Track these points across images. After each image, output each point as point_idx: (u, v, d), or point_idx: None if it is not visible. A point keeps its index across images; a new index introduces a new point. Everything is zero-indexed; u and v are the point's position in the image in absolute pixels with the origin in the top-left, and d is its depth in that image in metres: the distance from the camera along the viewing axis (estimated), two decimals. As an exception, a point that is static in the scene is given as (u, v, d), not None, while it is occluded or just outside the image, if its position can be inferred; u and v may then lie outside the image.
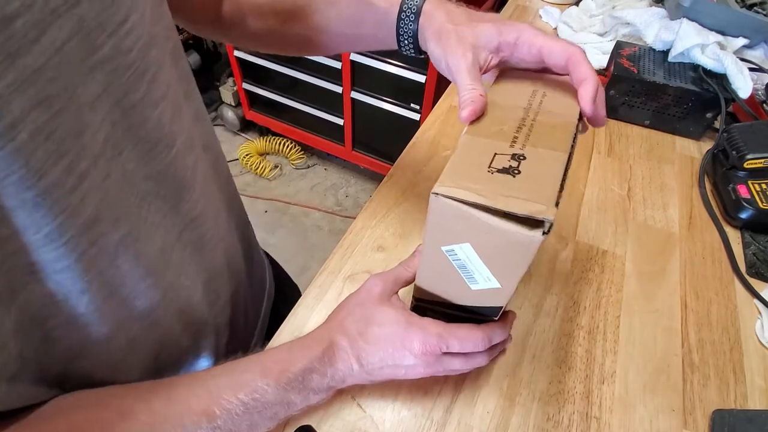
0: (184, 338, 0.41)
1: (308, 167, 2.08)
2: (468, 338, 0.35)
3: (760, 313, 0.50)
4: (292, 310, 0.47)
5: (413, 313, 0.38)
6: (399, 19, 0.39)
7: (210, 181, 0.40)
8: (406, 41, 0.40)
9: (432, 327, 0.36)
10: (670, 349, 0.47)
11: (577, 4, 0.95)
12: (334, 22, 0.43)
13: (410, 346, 0.35)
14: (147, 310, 0.34)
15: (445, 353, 0.36)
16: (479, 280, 0.32)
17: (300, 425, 0.39)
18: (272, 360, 0.36)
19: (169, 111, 0.31)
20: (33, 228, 0.24)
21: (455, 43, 0.34)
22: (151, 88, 0.29)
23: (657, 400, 0.43)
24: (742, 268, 0.54)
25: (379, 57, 1.45)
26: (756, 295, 0.51)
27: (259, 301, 0.57)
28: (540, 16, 0.96)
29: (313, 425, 0.39)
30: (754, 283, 0.52)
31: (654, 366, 0.45)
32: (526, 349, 0.46)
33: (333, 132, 1.80)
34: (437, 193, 0.27)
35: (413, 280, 0.39)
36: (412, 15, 0.38)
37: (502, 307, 0.35)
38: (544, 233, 0.25)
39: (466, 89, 0.33)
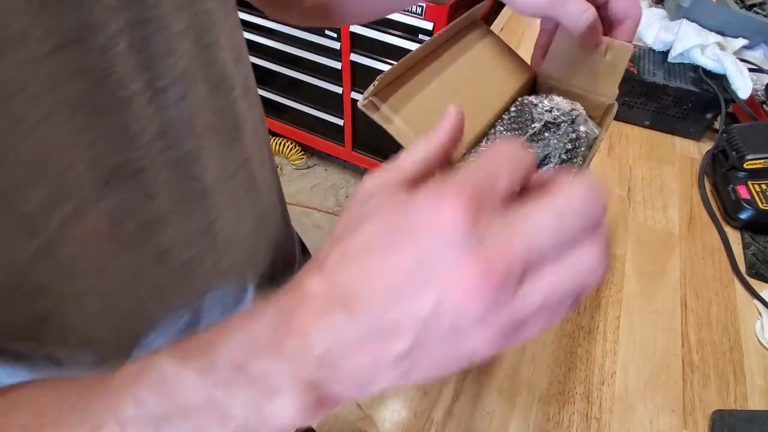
0: (231, 278, 0.42)
1: (308, 168, 2.08)
2: (566, 195, 0.17)
3: (760, 313, 0.50)
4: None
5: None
6: None
7: (257, 131, 0.42)
8: None
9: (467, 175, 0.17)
10: (670, 349, 0.47)
11: (577, 4, 0.95)
12: None
13: (435, 213, 0.16)
14: (196, 235, 0.36)
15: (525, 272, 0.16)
16: None
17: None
18: (201, 335, 0.21)
19: (230, 58, 0.35)
20: (117, 127, 0.28)
21: None
22: (219, 34, 0.33)
23: (657, 400, 0.43)
24: (742, 268, 0.54)
25: (380, 58, 1.45)
26: (756, 295, 0.51)
27: (290, 268, 0.57)
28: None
29: (313, 425, 0.39)
30: (754, 283, 0.52)
31: (654, 366, 0.45)
32: (526, 350, 0.46)
33: (333, 132, 1.80)
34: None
35: (443, 152, 0.22)
36: None
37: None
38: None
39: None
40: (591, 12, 0.35)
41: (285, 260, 0.53)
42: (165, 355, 0.20)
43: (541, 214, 0.16)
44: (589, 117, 0.41)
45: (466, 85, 0.38)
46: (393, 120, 0.33)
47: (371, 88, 0.31)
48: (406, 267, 0.16)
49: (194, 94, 0.32)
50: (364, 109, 0.30)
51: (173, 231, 0.34)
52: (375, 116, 0.33)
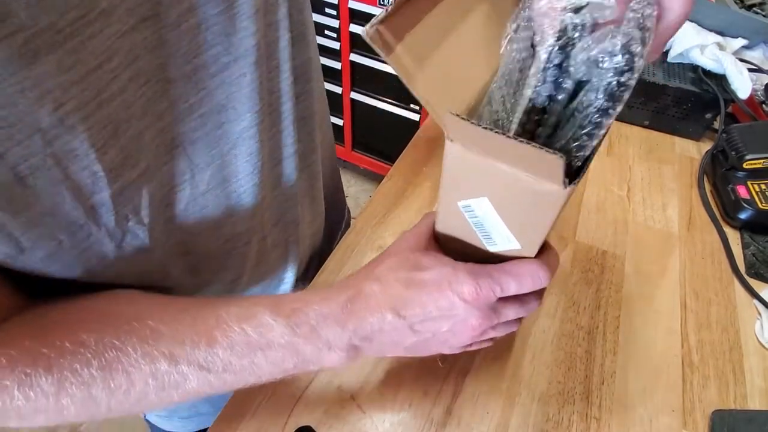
0: (274, 252, 0.45)
1: (308, 168, 2.08)
2: (525, 273, 0.30)
3: (759, 313, 0.50)
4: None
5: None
6: None
7: (312, 116, 0.44)
8: None
9: (482, 268, 0.30)
10: (669, 349, 0.47)
11: (576, 4, 0.95)
12: None
13: (460, 290, 0.29)
14: (249, 210, 0.38)
15: (500, 299, 0.31)
16: (497, 240, 0.29)
17: (300, 426, 0.39)
18: (287, 299, 0.32)
19: (288, 42, 0.36)
20: (182, 99, 0.30)
21: None
22: (281, 17, 0.35)
23: (657, 400, 0.43)
24: (742, 268, 0.54)
25: (379, 57, 1.45)
26: (755, 295, 0.51)
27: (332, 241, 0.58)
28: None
29: (313, 425, 0.39)
30: (754, 283, 0.52)
31: (653, 366, 0.45)
32: (526, 350, 0.46)
33: (332, 132, 1.80)
34: (452, 139, 0.24)
35: None
36: None
37: None
38: (569, 184, 0.22)
39: None
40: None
41: (330, 242, 0.58)
42: (262, 306, 0.31)
43: (510, 283, 0.30)
44: None
45: (479, 36, 0.28)
46: (415, 75, 0.24)
47: (381, 13, 0.22)
48: (441, 306, 0.30)
49: (253, 72, 0.33)
50: (369, 41, 0.22)
51: (224, 206, 0.36)
52: (389, 58, 0.23)
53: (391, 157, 1.76)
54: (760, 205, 0.56)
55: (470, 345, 0.34)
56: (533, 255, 0.30)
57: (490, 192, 0.26)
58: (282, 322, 0.30)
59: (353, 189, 1.99)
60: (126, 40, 0.25)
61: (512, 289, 0.30)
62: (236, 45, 0.31)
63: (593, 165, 0.66)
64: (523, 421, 0.41)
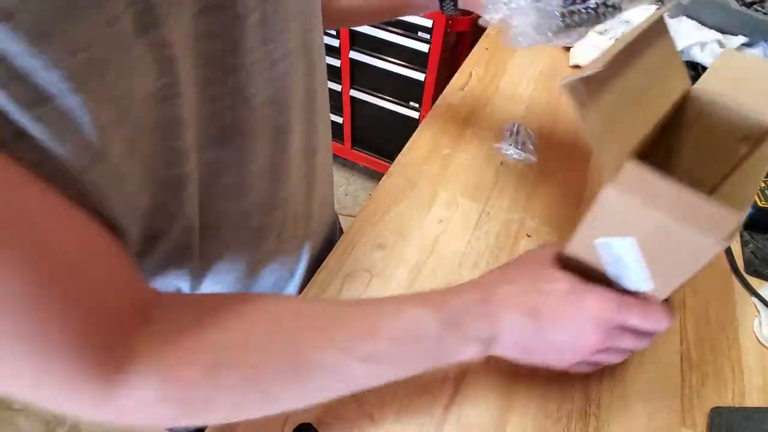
0: (289, 248, 0.46)
1: (308, 165, 2.08)
2: (650, 313, 0.32)
3: (758, 311, 0.50)
4: (292, 309, 0.48)
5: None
6: None
7: (326, 117, 0.47)
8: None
9: (609, 293, 0.32)
10: (668, 346, 0.47)
11: (576, 2, 0.95)
12: None
13: (588, 305, 0.32)
14: (283, 199, 0.40)
15: (620, 327, 0.33)
16: (631, 278, 0.30)
17: (299, 423, 0.39)
18: (428, 294, 0.34)
19: (321, 47, 0.41)
20: (240, 88, 0.31)
21: None
22: (317, 23, 0.39)
23: (655, 397, 0.43)
24: (741, 266, 0.54)
25: (379, 55, 1.45)
26: (754, 293, 0.51)
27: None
28: (539, 15, 0.96)
29: (313, 423, 0.39)
30: (753, 281, 0.53)
31: (652, 364, 0.45)
32: (525, 347, 0.46)
33: (332, 130, 1.80)
34: (614, 184, 0.26)
35: None
36: None
37: None
38: (726, 240, 0.24)
39: None
40: None
41: (332, 240, 0.58)
42: (407, 303, 0.33)
43: (637, 316, 0.32)
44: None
45: (641, 90, 0.34)
46: (588, 114, 0.29)
47: (585, 72, 0.27)
48: (572, 316, 0.32)
49: (296, 70, 0.36)
50: (566, 90, 0.27)
51: (255, 196, 0.38)
52: (575, 102, 0.28)
53: (390, 155, 1.76)
54: (759, 204, 0.56)
55: (578, 363, 0.35)
56: (661, 299, 0.31)
57: (639, 235, 0.27)
58: (431, 312, 0.32)
59: (353, 187, 1.99)
60: (189, 25, 0.27)
61: (635, 321, 0.32)
62: (285, 43, 0.34)
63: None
64: (523, 418, 0.41)
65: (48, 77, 0.19)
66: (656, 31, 0.34)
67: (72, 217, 0.23)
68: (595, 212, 0.28)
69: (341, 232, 0.67)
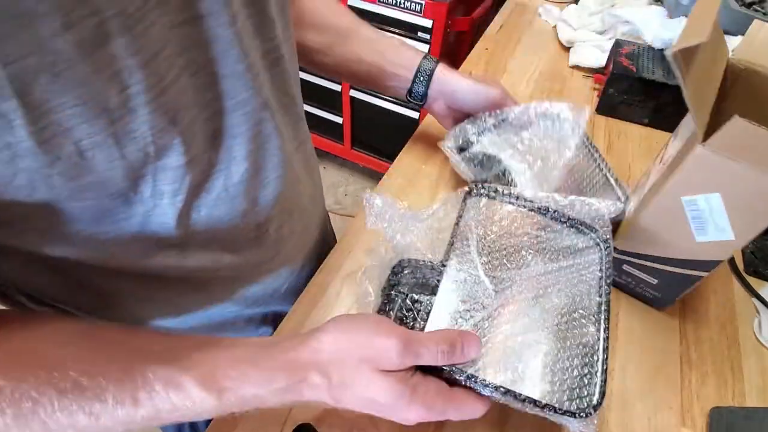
0: (288, 247, 0.47)
1: (307, 165, 2.08)
2: (469, 411, 0.34)
3: (758, 311, 0.50)
4: (292, 308, 0.48)
5: (416, 379, 0.33)
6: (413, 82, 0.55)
7: (304, 121, 0.48)
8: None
9: (437, 401, 0.33)
10: (668, 346, 0.47)
11: (576, 2, 0.95)
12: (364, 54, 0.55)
13: (406, 417, 0.32)
14: (271, 200, 0.40)
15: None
16: (710, 231, 0.34)
17: (299, 423, 0.39)
18: (222, 366, 0.31)
19: (294, 60, 0.42)
20: (230, 95, 0.32)
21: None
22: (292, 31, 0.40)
23: (655, 397, 0.43)
24: (741, 266, 0.54)
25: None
26: (754, 293, 0.51)
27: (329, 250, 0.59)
28: (539, 15, 0.96)
29: (313, 423, 0.39)
30: (752, 281, 0.53)
31: (652, 363, 0.45)
32: (525, 347, 0.46)
33: (332, 130, 1.79)
34: (706, 143, 0.30)
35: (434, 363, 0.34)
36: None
37: (719, 261, 0.38)
38: None
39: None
40: None
41: (326, 242, 0.59)
42: (190, 377, 0.30)
43: (461, 413, 0.34)
44: None
45: (711, 59, 0.38)
46: (687, 80, 0.32)
47: (690, 41, 0.30)
48: (382, 403, 0.32)
49: (285, 73, 0.38)
50: (673, 59, 0.29)
51: (252, 196, 0.38)
52: (679, 70, 0.31)
53: (390, 155, 1.75)
54: (759, 203, 0.57)
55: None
56: (741, 246, 0.36)
57: (725, 190, 0.31)
58: (212, 398, 0.30)
59: (352, 187, 1.99)
60: (178, 31, 0.27)
61: (454, 418, 0.33)
62: (274, 49, 0.35)
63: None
64: (522, 417, 0.41)
65: None
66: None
67: None
68: (680, 173, 0.31)
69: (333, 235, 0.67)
